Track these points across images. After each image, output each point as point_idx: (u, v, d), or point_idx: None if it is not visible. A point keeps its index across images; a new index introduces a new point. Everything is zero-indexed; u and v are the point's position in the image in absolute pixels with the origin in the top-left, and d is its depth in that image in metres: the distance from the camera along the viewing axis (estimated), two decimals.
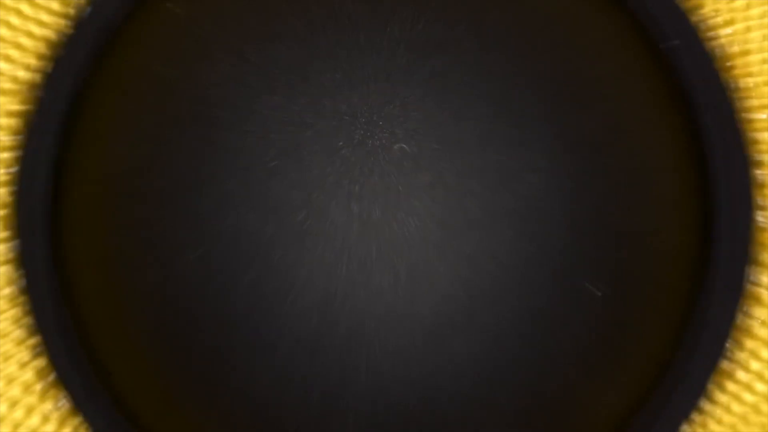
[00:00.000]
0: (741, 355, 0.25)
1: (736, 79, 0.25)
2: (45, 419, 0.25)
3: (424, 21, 0.23)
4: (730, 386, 0.25)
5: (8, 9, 0.25)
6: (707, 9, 0.25)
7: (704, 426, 0.25)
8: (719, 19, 0.25)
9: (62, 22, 0.25)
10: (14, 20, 0.25)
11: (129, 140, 0.24)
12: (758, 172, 0.25)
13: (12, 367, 0.25)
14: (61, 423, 0.25)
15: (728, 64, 0.25)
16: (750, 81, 0.25)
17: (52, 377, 0.25)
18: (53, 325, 0.25)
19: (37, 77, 0.25)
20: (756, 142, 0.25)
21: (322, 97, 0.23)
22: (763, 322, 0.25)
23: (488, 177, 0.23)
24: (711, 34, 0.25)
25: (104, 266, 0.24)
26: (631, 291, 0.24)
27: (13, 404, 0.25)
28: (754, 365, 0.24)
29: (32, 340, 0.25)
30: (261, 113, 0.23)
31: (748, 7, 0.25)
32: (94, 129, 0.25)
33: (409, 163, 0.23)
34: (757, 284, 0.25)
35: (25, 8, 0.25)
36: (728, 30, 0.25)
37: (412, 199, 0.22)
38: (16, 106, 0.25)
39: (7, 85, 0.25)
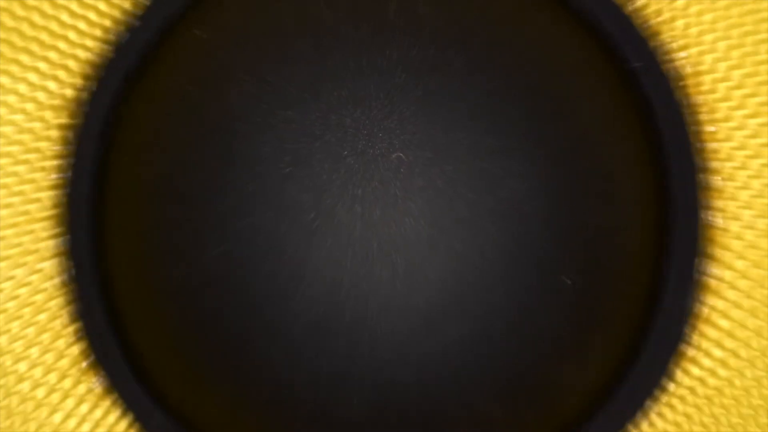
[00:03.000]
0: (697, 339, 0.25)
1: (690, 97, 0.25)
2: (85, 395, 0.25)
3: (418, 46, 0.23)
4: (689, 366, 0.25)
5: (57, 36, 0.25)
6: (665, 35, 0.25)
7: (666, 402, 0.25)
8: (676, 45, 0.25)
9: (103, 47, 0.25)
10: (62, 45, 0.25)
11: (161, 149, 0.24)
12: (707, 177, 0.25)
13: (57, 349, 0.25)
14: (98, 400, 0.25)
15: (683, 83, 0.25)
16: (701, 98, 0.25)
17: (91, 359, 0.25)
18: (94, 312, 0.25)
19: (82, 95, 0.25)
20: (705, 151, 0.25)
21: (330, 112, 0.23)
22: (715, 309, 0.25)
23: (475, 182, 0.23)
24: (669, 57, 0.25)
25: (139, 260, 0.24)
26: (600, 282, 0.24)
27: (59, 381, 0.25)
28: (709, 347, 0.24)
29: (75, 326, 0.25)
30: (276, 126, 0.23)
31: (700, 33, 0.24)
32: (131, 140, 0.25)
33: (405, 169, 0.23)
34: (709, 275, 0.25)
35: (72, 35, 0.25)
36: (683, 54, 0.25)
37: (408, 201, 0.23)
38: (64, 120, 0.25)
39: (57, 102, 0.25)
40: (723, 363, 0.24)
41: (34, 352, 0.24)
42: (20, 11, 0.25)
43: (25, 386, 0.24)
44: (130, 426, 0.25)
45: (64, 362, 0.25)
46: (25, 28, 0.25)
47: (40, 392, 0.24)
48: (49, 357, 0.25)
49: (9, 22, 0.25)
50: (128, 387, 0.25)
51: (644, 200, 0.25)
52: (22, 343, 0.24)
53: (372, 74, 0.23)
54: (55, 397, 0.24)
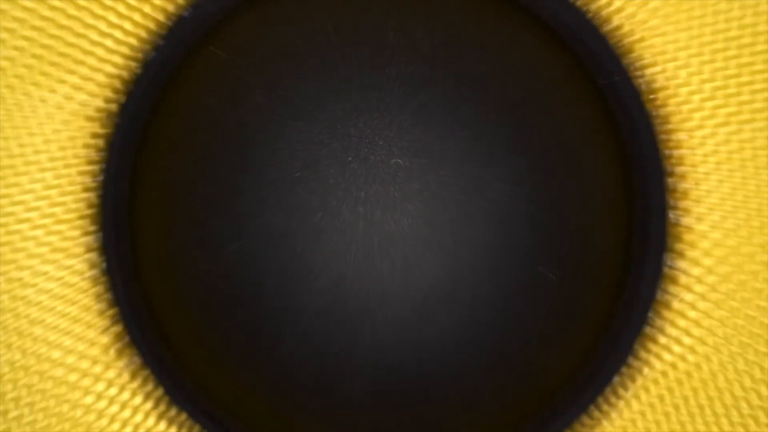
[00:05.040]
0: (660, 323, 0.25)
1: (657, 109, 0.25)
2: (119, 373, 0.25)
3: (414, 65, 0.23)
4: (652, 347, 0.25)
5: (103, 60, 0.25)
6: (636, 53, 0.25)
7: (632, 378, 0.25)
8: (645, 62, 0.25)
9: (133, 64, 0.25)
10: (99, 65, 0.25)
11: (185, 156, 0.24)
12: (671, 180, 0.25)
13: (94, 332, 0.25)
14: (132, 376, 0.25)
15: (651, 96, 0.25)
16: (666, 110, 0.25)
17: (126, 340, 0.25)
18: (127, 300, 0.25)
19: (114, 107, 0.25)
20: (670, 157, 0.25)
21: (336, 122, 0.23)
22: (672, 294, 0.25)
23: (465, 185, 0.23)
24: (638, 73, 0.25)
25: (166, 254, 0.24)
26: (576, 274, 0.24)
27: (95, 362, 0.25)
28: (671, 331, 0.25)
29: (111, 312, 0.25)
30: (287, 135, 0.23)
31: (665, 52, 0.24)
32: (158, 147, 0.25)
33: (403, 174, 0.23)
34: (673, 268, 0.25)
35: (102, 53, 0.25)
36: (651, 70, 0.25)
37: (406, 202, 0.23)
38: (99, 130, 0.25)
39: (92, 114, 0.25)
40: (678, 341, 0.25)
41: (80, 330, 0.25)
42: (71, 38, 0.25)
43: (73, 359, 0.25)
44: (161, 398, 0.25)
45: (106, 340, 0.25)
46: (77, 53, 0.25)
47: (85, 365, 0.25)
48: (93, 335, 0.25)
49: (63, 48, 0.25)
50: (159, 363, 0.25)
51: (616, 202, 0.25)
52: (69, 323, 0.25)
53: (373, 89, 0.23)
54: (98, 370, 0.25)
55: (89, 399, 0.25)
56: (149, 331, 0.25)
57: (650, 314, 0.25)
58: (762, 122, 0.24)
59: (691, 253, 0.25)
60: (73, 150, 0.25)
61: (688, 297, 0.25)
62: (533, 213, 0.23)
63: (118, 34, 0.25)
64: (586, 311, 0.24)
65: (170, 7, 0.25)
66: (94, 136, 0.25)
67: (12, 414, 0.25)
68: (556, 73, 0.25)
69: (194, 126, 0.24)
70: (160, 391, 0.25)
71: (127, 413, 0.25)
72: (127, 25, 0.25)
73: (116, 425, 0.25)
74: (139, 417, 0.25)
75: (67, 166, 0.25)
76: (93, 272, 0.25)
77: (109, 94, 0.25)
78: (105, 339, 0.25)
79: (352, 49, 0.23)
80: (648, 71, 0.25)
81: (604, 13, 0.25)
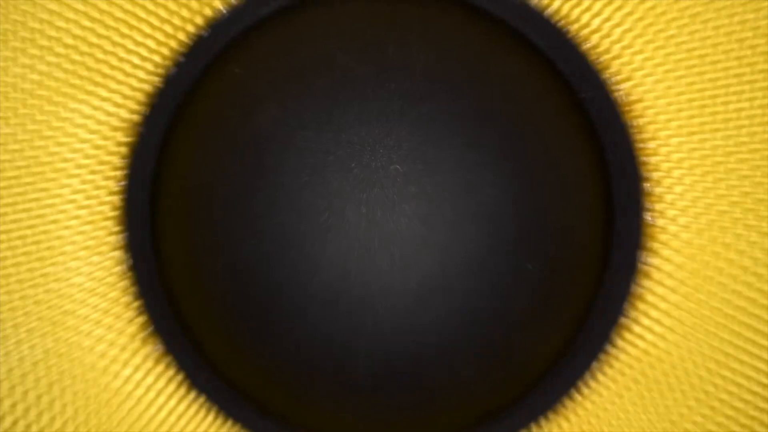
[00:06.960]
0: (635, 314, 0.25)
1: (632, 120, 0.25)
2: (144, 359, 0.25)
3: (412, 79, 0.24)
4: (627, 336, 0.25)
5: (128, 74, 0.25)
6: (612, 69, 0.25)
7: (609, 364, 0.25)
8: (621, 77, 0.25)
9: (156, 79, 0.25)
10: (133, 81, 0.25)
11: (205, 162, 0.24)
12: (646, 184, 0.25)
13: (121, 323, 0.25)
14: (156, 362, 0.26)
15: (627, 108, 0.25)
16: (641, 121, 0.25)
17: (150, 329, 0.26)
18: (151, 293, 0.26)
19: (138, 118, 0.25)
20: (645, 163, 0.25)
21: (340, 132, 0.23)
22: (646, 288, 0.25)
23: (457, 189, 0.23)
24: (615, 87, 0.25)
25: (187, 251, 0.25)
26: (558, 269, 0.24)
27: (122, 349, 0.25)
28: (645, 321, 0.25)
29: (136, 304, 0.26)
30: (297, 144, 0.23)
31: (640, 68, 0.25)
32: (179, 154, 0.25)
33: (401, 178, 0.23)
34: (646, 264, 0.25)
35: (128, 68, 0.25)
36: (626, 85, 0.25)
37: (404, 204, 0.23)
38: (124, 138, 0.26)
39: (118, 124, 0.25)
40: (651, 330, 0.25)
41: (109, 320, 0.25)
42: (100, 54, 0.25)
43: (102, 347, 0.25)
44: (182, 382, 0.25)
45: (132, 329, 0.25)
46: (105, 69, 0.25)
47: (113, 352, 0.25)
48: (120, 325, 0.25)
49: (92, 64, 0.25)
50: (180, 351, 0.26)
51: (593, 204, 0.25)
52: (98, 314, 0.25)
53: (375, 102, 0.23)
54: (125, 357, 0.25)
55: (117, 383, 0.25)
56: (171, 321, 0.26)
57: (625, 306, 0.25)
58: (731, 130, 0.24)
59: (663, 251, 0.25)
60: (98, 157, 0.25)
61: (660, 290, 0.25)
62: (518, 214, 0.24)
63: (143, 51, 0.25)
64: (566, 303, 0.25)
65: (190, 28, 0.26)
66: (119, 144, 0.25)
67: (46, 398, 0.25)
68: (541, 87, 0.25)
69: (212, 135, 0.25)
70: (181, 376, 0.26)
71: (151, 395, 0.25)
72: (151, 44, 0.25)
73: (142, 406, 0.25)
74: (162, 398, 0.26)
75: (92, 172, 0.25)
76: (119, 269, 0.25)
77: (134, 106, 0.25)
78: (131, 328, 0.25)
79: (355, 66, 0.24)
80: (621, 86, 0.25)
81: (583, 33, 0.25)
